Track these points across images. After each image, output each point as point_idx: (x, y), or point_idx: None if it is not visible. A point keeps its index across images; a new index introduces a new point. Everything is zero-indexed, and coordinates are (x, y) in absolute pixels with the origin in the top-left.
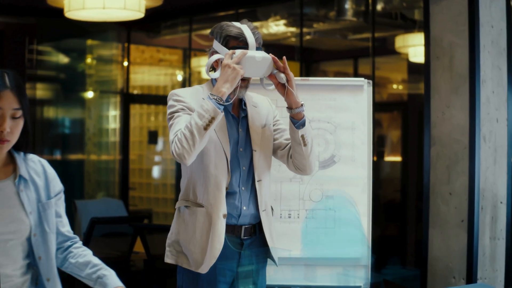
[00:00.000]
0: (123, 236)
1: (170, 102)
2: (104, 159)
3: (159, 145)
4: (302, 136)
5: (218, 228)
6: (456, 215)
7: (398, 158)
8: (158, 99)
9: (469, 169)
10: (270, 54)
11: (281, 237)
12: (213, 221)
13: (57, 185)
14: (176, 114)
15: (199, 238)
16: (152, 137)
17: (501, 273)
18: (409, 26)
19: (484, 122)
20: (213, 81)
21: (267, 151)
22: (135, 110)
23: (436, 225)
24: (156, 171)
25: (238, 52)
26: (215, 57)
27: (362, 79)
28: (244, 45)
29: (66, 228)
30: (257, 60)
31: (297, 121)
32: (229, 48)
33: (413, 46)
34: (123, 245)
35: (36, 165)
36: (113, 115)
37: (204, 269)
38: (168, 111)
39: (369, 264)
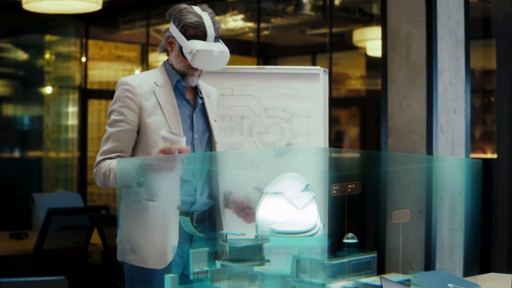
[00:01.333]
0: (80, 229)
1: (118, 92)
2: (63, 156)
3: None
4: None
5: (173, 222)
6: (414, 206)
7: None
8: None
9: (426, 161)
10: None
11: (237, 224)
12: (167, 215)
13: None
14: (115, 119)
15: (152, 234)
16: None
17: (459, 265)
18: (367, 21)
19: (442, 113)
20: (166, 64)
21: (225, 144)
22: (93, 106)
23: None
24: None
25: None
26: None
27: (318, 67)
28: (203, 35)
29: None
30: (214, 54)
31: None
32: (186, 37)
33: (371, 40)
34: (80, 237)
35: None
36: (71, 111)
37: (162, 264)
38: (112, 106)
39: (326, 247)
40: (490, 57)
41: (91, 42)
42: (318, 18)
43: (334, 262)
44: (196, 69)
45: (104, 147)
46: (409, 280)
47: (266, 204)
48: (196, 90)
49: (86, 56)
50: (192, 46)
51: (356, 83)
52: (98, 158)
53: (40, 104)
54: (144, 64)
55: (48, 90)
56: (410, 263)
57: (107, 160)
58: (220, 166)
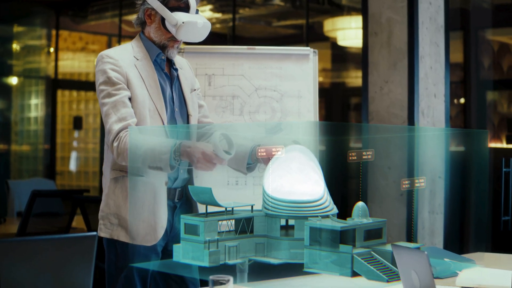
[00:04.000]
0: (56, 216)
1: (101, 65)
2: (30, 148)
3: (83, 133)
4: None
5: (161, 197)
6: (395, 189)
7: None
8: (83, 85)
9: (408, 143)
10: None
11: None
12: (156, 190)
13: None
14: (111, 89)
15: (141, 209)
16: (77, 123)
17: (439, 247)
18: (335, 11)
19: (423, 97)
20: (142, 37)
21: (196, 116)
22: (58, 98)
23: (375, 199)
24: (81, 159)
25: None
26: None
27: (308, 48)
28: (185, 7)
29: None
30: (199, 26)
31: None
32: (169, 8)
33: (341, 30)
34: (59, 222)
35: None
36: (37, 103)
37: (151, 241)
38: (100, 79)
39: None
40: (458, 50)
41: (61, 32)
42: (287, 9)
43: (348, 228)
44: (177, 41)
45: (114, 117)
46: (419, 248)
47: (258, 187)
48: (170, 63)
49: (56, 46)
50: (177, 18)
51: (323, 75)
52: (115, 127)
53: (6, 96)
54: None
55: (14, 81)
56: None
57: None
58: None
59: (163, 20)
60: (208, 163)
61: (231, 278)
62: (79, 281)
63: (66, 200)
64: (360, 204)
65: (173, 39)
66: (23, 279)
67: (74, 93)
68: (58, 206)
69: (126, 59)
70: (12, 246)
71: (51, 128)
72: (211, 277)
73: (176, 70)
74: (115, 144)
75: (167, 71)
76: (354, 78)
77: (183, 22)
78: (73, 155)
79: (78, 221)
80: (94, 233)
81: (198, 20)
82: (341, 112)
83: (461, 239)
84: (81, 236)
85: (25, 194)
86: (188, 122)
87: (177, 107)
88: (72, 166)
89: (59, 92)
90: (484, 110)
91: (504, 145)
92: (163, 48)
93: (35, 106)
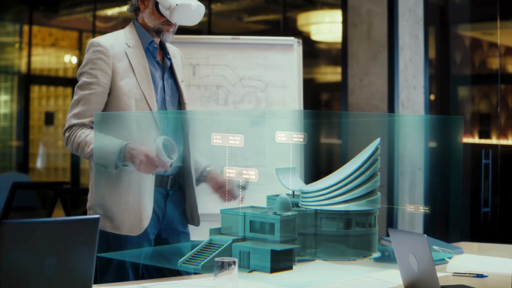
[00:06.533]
0: (32, 210)
1: (90, 54)
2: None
3: (53, 129)
4: None
5: (147, 186)
6: None
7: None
8: (56, 80)
9: (388, 135)
10: None
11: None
12: (142, 180)
13: None
14: (86, 82)
15: (126, 199)
16: (49, 118)
17: None
18: (306, 6)
19: (402, 89)
20: (135, 23)
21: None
22: (35, 93)
23: None
24: (51, 156)
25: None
26: None
27: (292, 38)
28: None
29: None
30: (192, 9)
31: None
32: None
33: (316, 24)
34: (38, 216)
35: None
36: (7, 99)
37: (136, 231)
38: (83, 68)
39: None
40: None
41: (28, 28)
42: (259, 4)
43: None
44: (172, 25)
45: (75, 110)
46: None
47: None
48: (164, 51)
49: (30, 42)
50: (171, 1)
51: None
52: (71, 121)
53: None
54: (83, 49)
55: None
56: None
57: (84, 129)
58: (192, 128)
59: (156, 4)
60: (150, 166)
61: (236, 260)
62: (82, 264)
63: (41, 195)
64: (283, 197)
65: (168, 23)
66: (25, 261)
67: (44, 88)
68: (34, 200)
69: (117, 47)
70: (14, 228)
71: (24, 124)
72: (217, 259)
73: (170, 59)
74: (66, 134)
75: (159, 59)
76: (328, 74)
77: (176, 5)
78: (44, 151)
79: (56, 215)
80: (97, 216)
81: (192, 3)
82: (312, 108)
83: (441, 230)
84: (85, 219)
85: (3, 188)
86: (179, 109)
87: (168, 95)
88: (43, 162)
89: (30, 88)
90: (456, 105)
91: (476, 140)
92: (158, 32)
93: (5, 102)
